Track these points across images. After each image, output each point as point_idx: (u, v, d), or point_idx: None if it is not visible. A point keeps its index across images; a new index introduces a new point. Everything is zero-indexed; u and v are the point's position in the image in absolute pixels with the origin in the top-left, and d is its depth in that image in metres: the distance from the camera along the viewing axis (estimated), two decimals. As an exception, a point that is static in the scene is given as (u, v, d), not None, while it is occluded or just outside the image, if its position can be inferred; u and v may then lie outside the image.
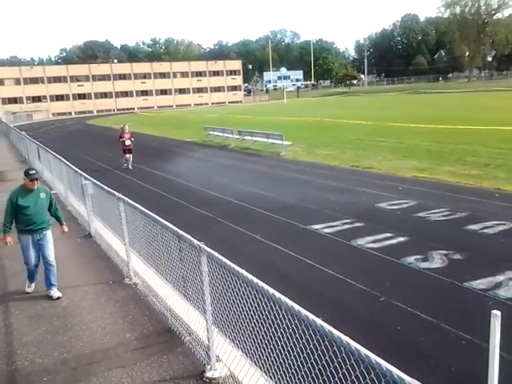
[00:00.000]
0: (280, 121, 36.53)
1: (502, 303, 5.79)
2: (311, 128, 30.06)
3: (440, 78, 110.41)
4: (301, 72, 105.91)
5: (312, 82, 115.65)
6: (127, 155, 18.79)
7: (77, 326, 5.80)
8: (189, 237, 4.51)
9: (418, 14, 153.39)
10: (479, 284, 6.34)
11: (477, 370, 3.95)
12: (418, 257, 7.47)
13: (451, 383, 4.35)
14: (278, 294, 3.05)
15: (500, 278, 6.50)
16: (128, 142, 18.69)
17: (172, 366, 4.75)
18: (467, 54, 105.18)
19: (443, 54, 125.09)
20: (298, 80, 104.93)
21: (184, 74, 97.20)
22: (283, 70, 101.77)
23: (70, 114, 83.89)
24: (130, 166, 18.71)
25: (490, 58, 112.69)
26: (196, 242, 4.30)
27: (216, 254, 3.96)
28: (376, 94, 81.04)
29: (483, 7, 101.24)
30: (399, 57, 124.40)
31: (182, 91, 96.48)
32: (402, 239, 8.43)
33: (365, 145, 21.07)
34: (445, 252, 7.60)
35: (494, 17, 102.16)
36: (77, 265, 8.18)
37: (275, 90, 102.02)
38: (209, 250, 4.08)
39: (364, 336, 5.13)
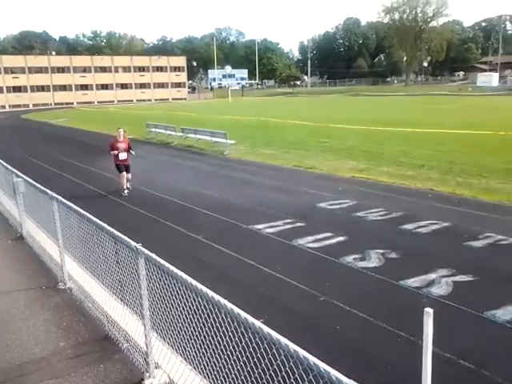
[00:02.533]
0: (224, 119, 36.43)
1: (434, 300, 6.05)
2: (255, 127, 30.18)
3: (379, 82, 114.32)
4: (246, 71, 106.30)
5: (257, 81, 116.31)
6: (124, 174, 12.70)
7: (6, 336, 5.46)
8: (125, 238, 4.36)
9: (360, 18, 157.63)
10: (413, 282, 6.59)
11: (412, 366, 4.08)
12: (356, 256, 7.66)
13: (388, 381, 4.47)
14: (217, 297, 3.00)
15: (432, 276, 6.79)
16: (124, 156, 12.70)
17: (109, 374, 4.58)
18: (405, 58, 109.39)
19: (383, 58, 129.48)
20: (242, 79, 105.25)
21: (126, 69, 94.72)
22: (228, 69, 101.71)
23: (3, 107, 79.59)
24: (126, 188, 12.83)
25: (425, 64, 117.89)
26: (133, 243, 4.17)
27: (154, 255, 3.86)
28: (319, 96, 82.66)
29: (420, 15, 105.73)
30: (341, 59, 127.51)
31: (123, 86, 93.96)
32: (341, 238, 8.61)
33: (307, 145, 21.40)
34: (381, 251, 7.84)
35: (430, 24, 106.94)
36: (7, 269, 7.74)
37: (220, 88, 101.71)
38: (146, 251, 3.96)
39: (304, 337, 5.18)
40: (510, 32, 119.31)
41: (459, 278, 6.72)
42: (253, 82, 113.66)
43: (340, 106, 52.79)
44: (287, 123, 31.71)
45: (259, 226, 9.45)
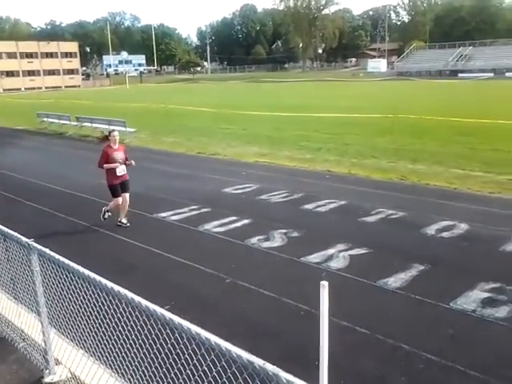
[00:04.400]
0: (123, 107, 35.13)
1: (333, 273, 6.40)
2: (156, 115, 29.51)
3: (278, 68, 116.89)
4: (143, 57, 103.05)
5: (155, 67, 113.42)
6: (124, 197, 8.71)
7: None
8: (16, 234, 4.09)
9: (256, 5, 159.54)
10: (314, 258, 6.92)
11: (313, 337, 4.30)
12: (261, 237, 7.86)
13: (292, 354, 4.67)
14: (116, 287, 2.92)
15: (331, 251, 7.17)
16: (123, 170, 8.66)
17: (4, 376, 4.29)
18: (301, 45, 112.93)
19: (280, 44, 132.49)
20: (140, 65, 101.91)
21: (11, 55, 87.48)
22: (124, 54, 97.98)
23: None
24: (122, 222, 8.76)
25: (320, 50, 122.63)
26: (25, 239, 3.92)
27: (48, 250, 3.66)
28: (220, 82, 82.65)
29: (313, 2, 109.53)
30: (240, 45, 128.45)
31: (9, 74, 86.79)
32: (246, 221, 8.77)
33: (210, 132, 21.38)
34: (284, 231, 8.12)
35: (323, 12, 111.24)
36: None
37: (117, 74, 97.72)
38: (40, 247, 3.74)
39: (210, 318, 5.25)
40: (394, 21, 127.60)
41: (355, 251, 7.16)
42: (151, 68, 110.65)
43: (241, 92, 53.25)
44: (189, 110, 31.38)
45: (164, 214, 9.32)
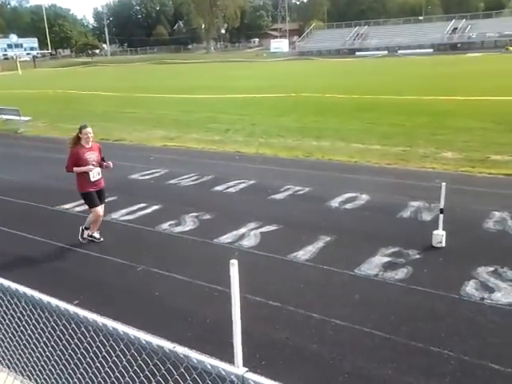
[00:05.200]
0: (16, 94, 32.63)
1: (245, 251, 6.52)
2: (53, 101, 27.79)
3: (181, 49, 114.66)
4: (35, 40, 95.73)
5: (49, 50, 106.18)
6: (100, 209, 7.07)
7: None
8: None
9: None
10: (226, 238, 6.99)
11: (228, 317, 4.38)
12: (172, 222, 7.77)
13: (207, 334, 4.71)
14: (14, 286, 2.75)
15: (242, 230, 7.28)
16: (97, 175, 7.01)
17: None
18: (203, 26, 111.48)
19: (182, 25, 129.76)
20: (32, 49, 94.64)
21: None
22: (13, 38, 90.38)
23: None
24: (97, 235, 7.21)
25: (223, 31, 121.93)
26: None
27: None
28: (120, 64, 79.48)
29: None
30: (140, 26, 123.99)
31: None
32: (156, 207, 8.61)
33: (114, 117, 20.59)
34: (196, 214, 8.09)
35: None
36: None
37: (6, 59, 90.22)
38: None
39: (123, 308, 5.14)
40: (293, 1, 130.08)
41: (266, 228, 7.33)
42: (45, 52, 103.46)
43: (144, 75, 51.65)
44: (89, 94, 29.92)
45: (67, 206, 8.87)
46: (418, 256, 6.23)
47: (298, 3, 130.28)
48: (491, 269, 5.78)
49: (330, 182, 9.98)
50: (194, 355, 2.04)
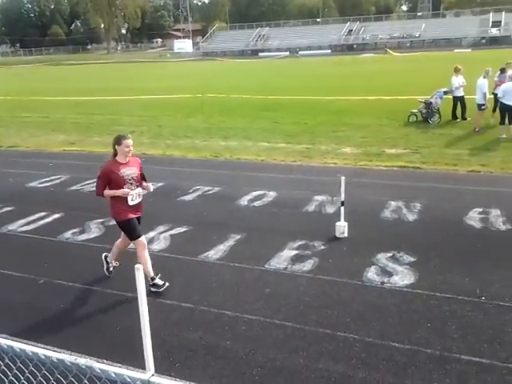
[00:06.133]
0: None
1: (155, 255, 6.38)
2: None
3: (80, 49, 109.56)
4: None
5: None
6: (144, 241, 5.59)
7: None
8: None
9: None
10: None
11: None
12: (76, 230, 7.43)
13: (119, 342, 4.57)
14: None
15: (152, 234, 7.15)
16: (138, 197, 5.53)
17: None
18: (102, 25, 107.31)
19: (79, 24, 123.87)
20: None
21: None
22: None
23: None
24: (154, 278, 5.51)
25: (124, 31, 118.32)
26: None
27: None
28: (12, 66, 74.16)
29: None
30: (33, 26, 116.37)
31: None
32: (57, 216, 8.17)
33: (6, 122, 19.20)
34: (101, 220, 7.78)
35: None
36: None
37: None
38: None
39: (27, 325, 4.83)
40: (195, 1, 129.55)
41: (175, 230, 7.26)
42: None
43: (39, 77, 48.66)
44: (-23, 99, 27.59)
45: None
46: (323, 247, 6.52)
47: (199, 4, 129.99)
48: (389, 254, 6.20)
49: (239, 180, 10.10)
50: (97, 365, 1.97)
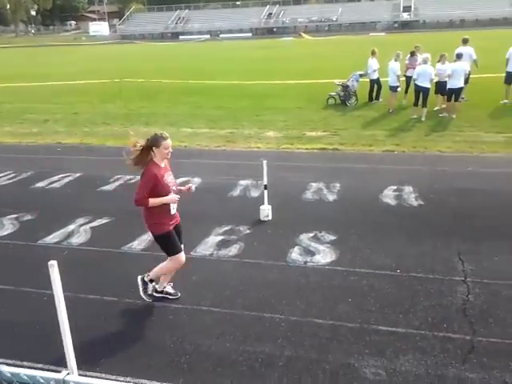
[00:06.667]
0: None
1: (75, 249, 6.16)
2: None
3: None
4: None
5: None
6: (183, 254, 4.91)
7: None
8: None
9: None
10: (52, 238, 6.51)
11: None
12: (-14, 227, 6.96)
13: (39, 343, 4.38)
14: None
15: (71, 227, 6.86)
16: (175, 206, 4.88)
17: None
18: (8, 6, 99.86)
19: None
20: None
21: None
22: None
23: None
24: (171, 290, 5.09)
25: (34, 12, 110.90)
26: None
27: None
28: None
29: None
30: None
31: None
32: (-36, 213, 7.61)
33: None
34: (15, 216, 7.35)
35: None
36: None
37: None
38: None
39: None
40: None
41: (96, 222, 7.02)
42: None
43: None
44: None
45: None
46: (248, 231, 6.60)
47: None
48: (311, 234, 6.41)
49: (162, 168, 9.90)
50: (6, 368, 1.87)
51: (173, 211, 4.76)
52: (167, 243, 4.77)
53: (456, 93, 12.82)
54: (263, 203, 6.99)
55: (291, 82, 20.72)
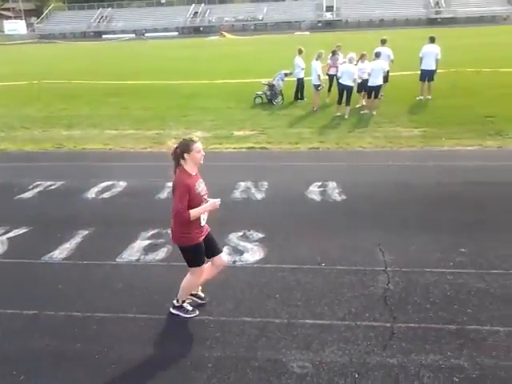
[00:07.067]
0: None
1: (-9, 263, 5.80)
2: None
3: None
4: None
5: None
6: (204, 268, 4.66)
7: None
8: None
9: None
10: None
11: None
12: None
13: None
14: None
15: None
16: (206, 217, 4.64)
17: None
18: None
19: None
20: None
21: None
22: None
23: None
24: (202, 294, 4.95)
25: None
26: None
27: None
28: None
29: None
30: None
31: None
32: None
33: None
34: None
35: None
36: None
37: None
38: None
39: None
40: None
41: (13, 233, 6.63)
42: None
43: None
44: None
45: None
46: (176, 234, 6.51)
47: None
48: (240, 234, 6.44)
49: (85, 172, 9.56)
50: None
51: (203, 222, 4.47)
52: (194, 256, 4.48)
53: (376, 90, 13.40)
54: (191, 204, 6.92)
55: (218, 81, 20.73)
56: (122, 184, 8.65)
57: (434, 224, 6.59)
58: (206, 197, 4.41)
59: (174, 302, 4.70)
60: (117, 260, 5.79)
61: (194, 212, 4.23)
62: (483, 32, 47.72)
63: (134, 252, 6.00)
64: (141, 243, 6.24)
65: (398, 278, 5.22)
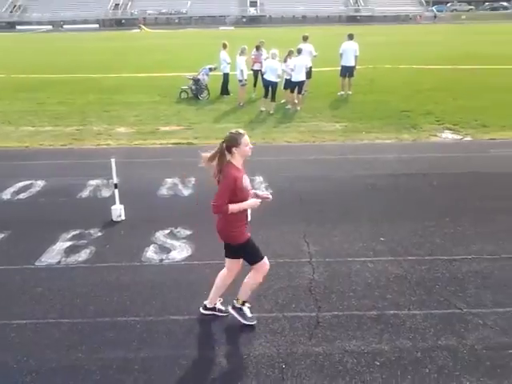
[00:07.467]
0: None
1: None
2: None
3: None
4: None
5: None
6: (266, 260, 4.45)
7: None
8: None
9: None
10: None
11: None
12: None
13: None
14: None
15: None
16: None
17: None
18: None
19: None
20: None
21: None
22: None
23: None
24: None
25: None
26: None
27: None
28: None
29: None
30: None
31: None
32: None
33: None
34: None
35: None
36: None
37: None
38: None
39: None
40: None
41: None
42: None
43: None
44: None
45: None
46: (99, 234, 6.31)
47: None
48: (167, 231, 6.35)
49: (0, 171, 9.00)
50: None
51: (250, 217, 4.31)
52: (252, 250, 4.35)
53: (299, 85, 13.68)
54: (115, 203, 6.73)
55: (142, 75, 20.25)
56: (40, 183, 8.23)
57: (355, 215, 6.87)
58: (251, 192, 4.29)
59: (234, 302, 4.47)
60: (36, 264, 5.52)
61: (233, 206, 4.07)
62: (398, 30, 50.24)
63: (53, 255, 5.74)
64: (61, 245, 5.98)
65: (323, 269, 5.39)
